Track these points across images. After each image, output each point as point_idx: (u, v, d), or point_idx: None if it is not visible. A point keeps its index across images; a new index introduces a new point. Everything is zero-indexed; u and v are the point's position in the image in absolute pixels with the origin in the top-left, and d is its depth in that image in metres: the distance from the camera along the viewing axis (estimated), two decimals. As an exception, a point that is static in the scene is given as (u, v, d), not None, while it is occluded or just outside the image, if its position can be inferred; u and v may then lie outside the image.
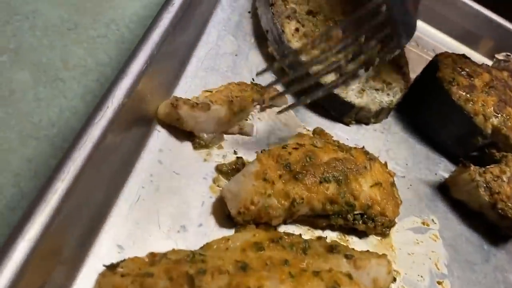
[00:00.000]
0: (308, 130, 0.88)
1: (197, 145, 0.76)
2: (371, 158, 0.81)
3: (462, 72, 0.99)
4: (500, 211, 0.86)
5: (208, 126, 0.76)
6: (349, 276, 0.64)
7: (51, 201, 0.54)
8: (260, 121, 0.85)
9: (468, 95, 0.95)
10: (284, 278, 0.60)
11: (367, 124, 0.97)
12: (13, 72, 0.71)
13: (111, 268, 0.59)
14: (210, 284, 0.57)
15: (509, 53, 1.14)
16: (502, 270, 0.87)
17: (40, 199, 0.54)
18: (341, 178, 0.74)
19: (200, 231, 0.68)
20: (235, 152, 0.79)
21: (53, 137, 0.68)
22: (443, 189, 0.94)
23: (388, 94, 0.94)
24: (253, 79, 0.87)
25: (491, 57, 1.24)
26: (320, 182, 0.72)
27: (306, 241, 0.70)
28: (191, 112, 0.73)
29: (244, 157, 0.78)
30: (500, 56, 1.14)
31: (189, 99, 0.74)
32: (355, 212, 0.75)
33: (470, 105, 0.94)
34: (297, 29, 0.92)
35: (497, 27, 1.29)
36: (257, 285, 0.58)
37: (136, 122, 0.71)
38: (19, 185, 0.62)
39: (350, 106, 0.90)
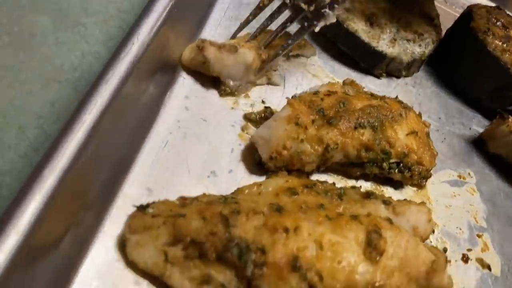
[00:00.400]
0: (338, 82, 0.85)
1: (223, 92, 0.73)
2: (406, 107, 0.77)
3: (497, 23, 0.94)
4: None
5: (235, 72, 0.73)
6: (389, 220, 0.61)
7: (74, 140, 0.52)
8: (288, 72, 0.82)
9: (505, 45, 0.90)
10: (321, 220, 0.57)
11: (398, 77, 0.92)
12: (32, 16, 0.68)
13: (142, 209, 0.56)
14: (245, 224, 0.54)
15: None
16: (543, 226, 0.83)
17: (62, 138, 0.52)
18: (376, 124, 0.70)
19: (231, 177, 0.65)
20: (263, 102, 0.76)
21: (76, 81, 0.65)
22: (479, 144, 0.89)
23: (420, 45, 0.90)
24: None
25: (522, 14, 1.19)
26: (355, 128, 0.69)
27: (341, 188, 0.66)
28: (218, 54, 0.69)
29: (272, 107, 0.75)
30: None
31: (216, 41, 0.71)
32: (391, 161, 0.72)
33: (506, 55, 0.90)
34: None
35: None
36: (294, 225, 0.55)
37: (160, 67, 0.68)
38: (42, 127, 0.59)
39: (381, 56, 0.86)
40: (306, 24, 0.72)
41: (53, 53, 0.66)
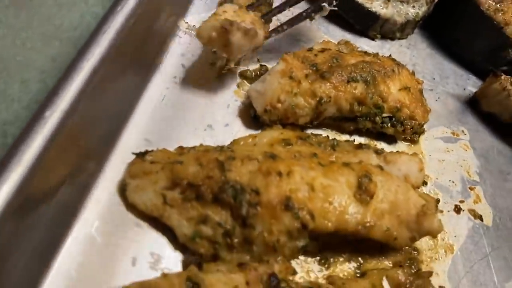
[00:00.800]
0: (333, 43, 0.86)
1: (212, 66, 0.73)
2: (399, 64, 0.79)
3: (491, -17, 0.95)
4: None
5: (241, 52, 0.69)
6: (380, 167, 0.63)
7: (72, 90, 0.54)
8: (283, 34, 0.83)
9: (498, 5, 0.91)
10: (314, 166, 0.59)
11: (392, 39, 0.94)
12: (32, -22, 0.70)
13: (141, 155, 0.58)
14: (240, 168, 0.56)
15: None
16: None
17: (60, 87, 0.54)
18: (369, 78, 0.72)
19: (227, 131, 0.68)
20: (258, 60, 0.78)
21: (76, 39, 0.67)
22: (473, 103, 0.91)
23: (413, 6, 0.91)
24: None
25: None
26: (348, 82, 0.70)
27: (334, 139, 0.68)
28: (242, 39, 0.66)
29: (267, 65, 0.77)
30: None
31: (239, 23, 0.66)
32: (384, 115, 0.73)
33: (500, 15, 0.91)
34: None
35: None
36: (287, 170, 0.57)
37: (157, 25, 0.70)
38: (45, 81, 0.62)
39: (375, 17, 0.87)
40: (304, 14, 0.75)
41: (53, 13, 0.68)
